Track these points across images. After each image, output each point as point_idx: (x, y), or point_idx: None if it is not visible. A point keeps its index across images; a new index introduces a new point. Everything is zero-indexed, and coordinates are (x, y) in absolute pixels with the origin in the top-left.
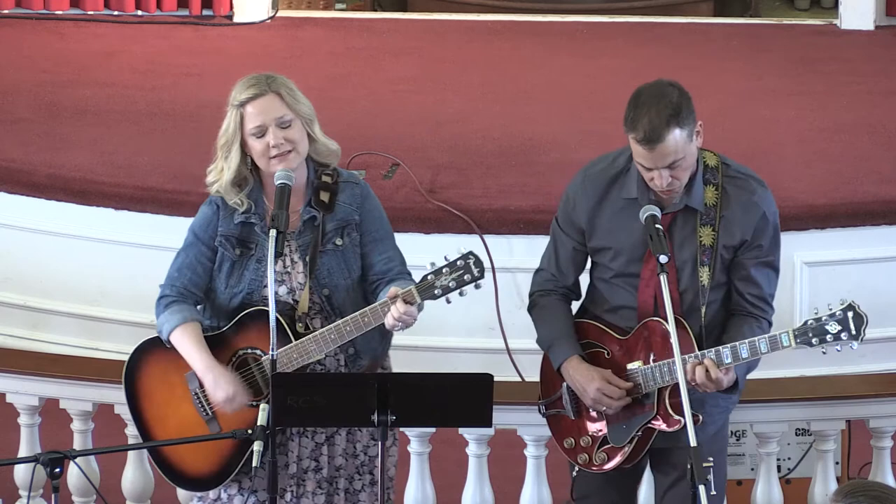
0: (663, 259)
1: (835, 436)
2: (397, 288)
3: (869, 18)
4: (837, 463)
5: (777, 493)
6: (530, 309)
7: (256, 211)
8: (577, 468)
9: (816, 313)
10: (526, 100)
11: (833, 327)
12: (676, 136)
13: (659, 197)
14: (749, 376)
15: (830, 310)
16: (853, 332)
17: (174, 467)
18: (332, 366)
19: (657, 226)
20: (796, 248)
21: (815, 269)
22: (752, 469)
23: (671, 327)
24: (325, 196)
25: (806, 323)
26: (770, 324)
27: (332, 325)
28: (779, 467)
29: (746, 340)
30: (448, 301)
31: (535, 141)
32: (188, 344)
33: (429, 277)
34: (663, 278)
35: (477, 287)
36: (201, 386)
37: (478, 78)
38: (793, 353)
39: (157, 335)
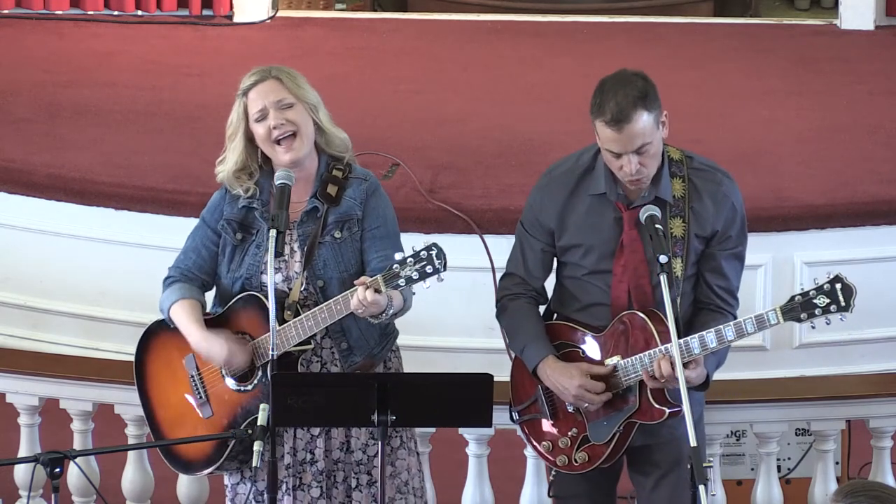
0: (663, 259)
1: (835, 436)
2: (366, 277)
3: (869, 18)
4: (837, 463)
5: (777, 493)
6: (499, 314)
7: (260, 197)
8: (554, 470)
9: (803, 288)
10: (526, 100)
11: (821, 300)
12: (644, 118)
13: (627, 191)
14: (749, 376)
15: (817, 283)
16: (842, 304)
17: (171, 449)
18: (328, 359)
19: (657, 226)
20: (796, 248)
21: (815, 269)
22: (752, 469)
23: (671, 327)
24: (332, 189)
25: (793, 299)
26: (735, 318)
27: (309, 312)
28: (779, 467)
29: (731, 322)
30: (413, 292)
31: (535, 141)
32: (183, 318)
33: (394, 267)
34: (663, 278)
35: (439, 280)
36: (198, 370)
37: (478, 78)
38: (793, 352)
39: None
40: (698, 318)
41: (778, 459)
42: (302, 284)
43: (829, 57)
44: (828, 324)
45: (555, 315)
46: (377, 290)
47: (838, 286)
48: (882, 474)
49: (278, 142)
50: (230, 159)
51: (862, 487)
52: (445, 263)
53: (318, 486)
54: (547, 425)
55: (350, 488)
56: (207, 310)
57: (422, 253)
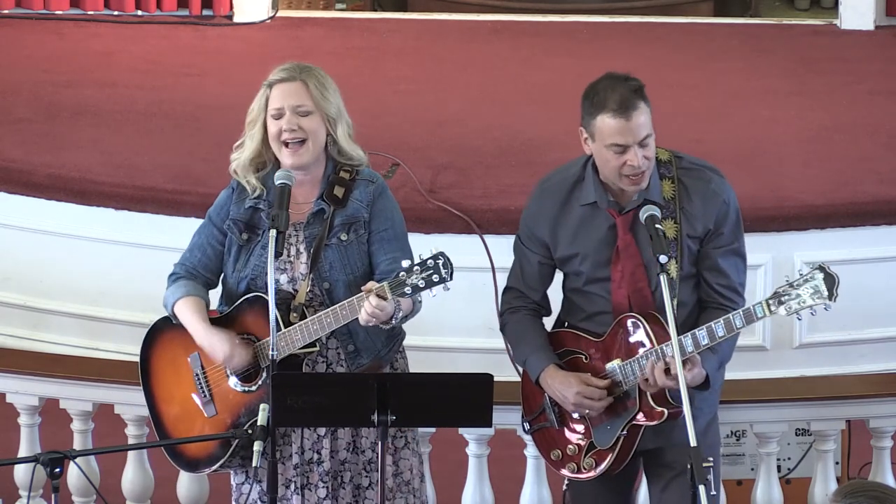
0: (663, 259)
1: (835, 436)
2: (373, 283)
3: (869, 18)
4: (837, 463)
5: (777, 493)
6: (502, 328)
7: (267, 197)
8: (566, 480)
9: (788, 280)
10: (526, 100)
11: (805, 291)
12: (644, 108)
13: (617, 197)
14: (749, 376)
15: (801, 275)
16: (825, 294)
17: (174, 447)
18: (333, 359)
19: (657, 226)
20: (796, 248)
21: None
22: (752, 469)
23: (671, 327)
24: (339, 191)
25: (777, 291)
26: None
27: (315, 316)
28: (779, 467)
29: (721, 319)
30: (419, 300)
31: (535, 141)
32: (188, 314)
33: (401, 275)
34: (663, 278)
35: (446, 289)
36: (202, 368)
37: (478, 78)
38: (793, 352)
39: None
40: (704, 316)
41: (778, 459)
42: (308, 286)
43: (829, 57)
44: (813, 314)
45: (566, 324)
46: (382, 297)
47: (821, 276)
48: (882, 474)
49: (286, 143)
50: (248, 147)
51: (862, 487)
52: (452, 273)
53: (324, 486)
54: (556, 434)
55: (357, 488)
56: (211, 307)
57: (429, 261)
